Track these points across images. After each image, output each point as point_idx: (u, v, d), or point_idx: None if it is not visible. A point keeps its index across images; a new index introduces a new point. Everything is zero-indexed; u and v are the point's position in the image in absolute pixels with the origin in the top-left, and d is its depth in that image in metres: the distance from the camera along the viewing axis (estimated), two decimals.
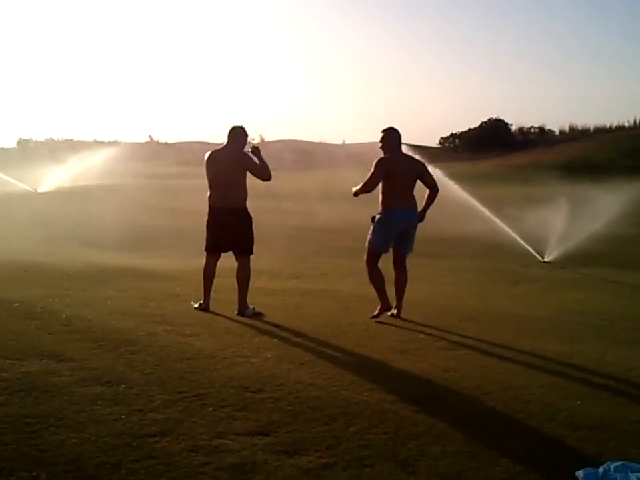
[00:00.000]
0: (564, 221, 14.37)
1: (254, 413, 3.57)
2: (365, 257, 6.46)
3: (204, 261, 6.69)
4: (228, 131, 6.52)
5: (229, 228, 6.43)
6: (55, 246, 12.49)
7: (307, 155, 60.89)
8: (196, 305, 6.60)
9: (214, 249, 6.63)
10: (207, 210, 6.58)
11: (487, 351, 5.31)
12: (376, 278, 6.39)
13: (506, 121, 62.83)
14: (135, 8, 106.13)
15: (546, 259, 12.66)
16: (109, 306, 6.50)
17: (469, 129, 59.91)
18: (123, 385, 3.92)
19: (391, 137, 6.45)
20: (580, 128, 69.48)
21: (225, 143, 6.53)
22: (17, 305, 6.20)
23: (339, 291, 8.28)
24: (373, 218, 6.43)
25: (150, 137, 60.13)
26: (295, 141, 74.00)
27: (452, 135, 62.34)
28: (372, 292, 6.53)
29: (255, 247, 6.57)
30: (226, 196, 6.43)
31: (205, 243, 6.68)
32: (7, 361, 4.29)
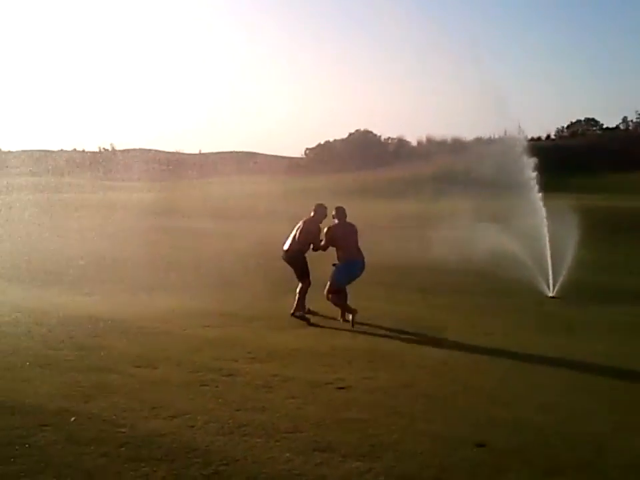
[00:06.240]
0: (534, 244, 13.60)
1: None
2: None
3: None
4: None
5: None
6: None
7: (162, 164, 57.80)
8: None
9: None
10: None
11: None
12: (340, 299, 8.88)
13: (375, 132, 63.93)
14: None
15: (552, 294, 11.87)
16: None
17: (335, 140, 60.10)
18: None
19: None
20: (437, 140, 72.54)
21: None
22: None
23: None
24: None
25: None
26: (149, 150, 69.60)
27: (319, 145, 62.63)
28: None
29: None
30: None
31: None
32: None
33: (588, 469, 4.00)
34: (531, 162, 15.12)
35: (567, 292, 11.66)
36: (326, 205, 9.41)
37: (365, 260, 8.94)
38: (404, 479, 3.64)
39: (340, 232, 8.94)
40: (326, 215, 9.35)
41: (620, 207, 25.31)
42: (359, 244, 9.03)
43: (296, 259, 9.22)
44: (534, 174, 14.76)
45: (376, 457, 3.95)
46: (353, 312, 8.66)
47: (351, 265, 8.89)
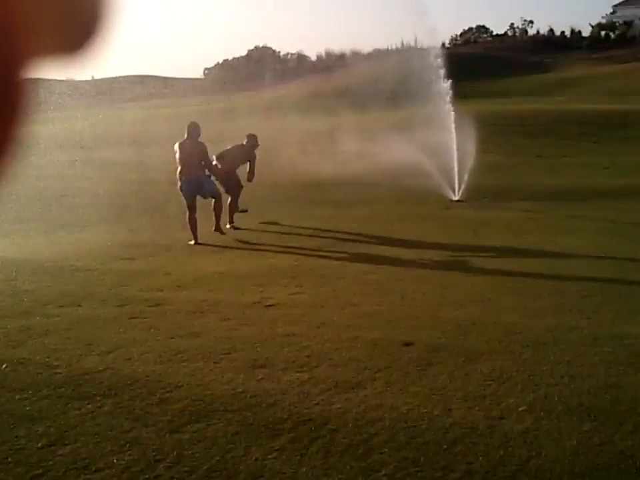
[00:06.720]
0: (441, 152, 14.04)
1: None
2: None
3: None
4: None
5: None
6: None
7: (54, 93, 53.82)
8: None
9: None
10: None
11: None
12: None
13: (274, 48, 62.34)
14: None
15: (456, 198, 12.47)
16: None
17: (234, 58, 58.20)
18: None
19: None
20: (337, 53, 71.62)
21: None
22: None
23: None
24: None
25: None
26: (35, 79, 64.95)
27: (217, 64, 60.44)
28: None
29: None
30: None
31: None
32: None
33: (502, 353, 4.45)
34: (436, 70, 15.34)
35: (470, 195, 12.32)
36: (256, 135, 10.50)
37: (209, 180, 9.29)
38: (343, 384, 3.90)
39: (182, 149, 9.13)
40: (256, 145, 10.46)
41: (512, 109, 26.23)
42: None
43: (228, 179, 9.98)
44: (440, 82, 14.99)
45: (313, 366, 4.19)
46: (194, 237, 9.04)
47: (187, 183, 9.13)
